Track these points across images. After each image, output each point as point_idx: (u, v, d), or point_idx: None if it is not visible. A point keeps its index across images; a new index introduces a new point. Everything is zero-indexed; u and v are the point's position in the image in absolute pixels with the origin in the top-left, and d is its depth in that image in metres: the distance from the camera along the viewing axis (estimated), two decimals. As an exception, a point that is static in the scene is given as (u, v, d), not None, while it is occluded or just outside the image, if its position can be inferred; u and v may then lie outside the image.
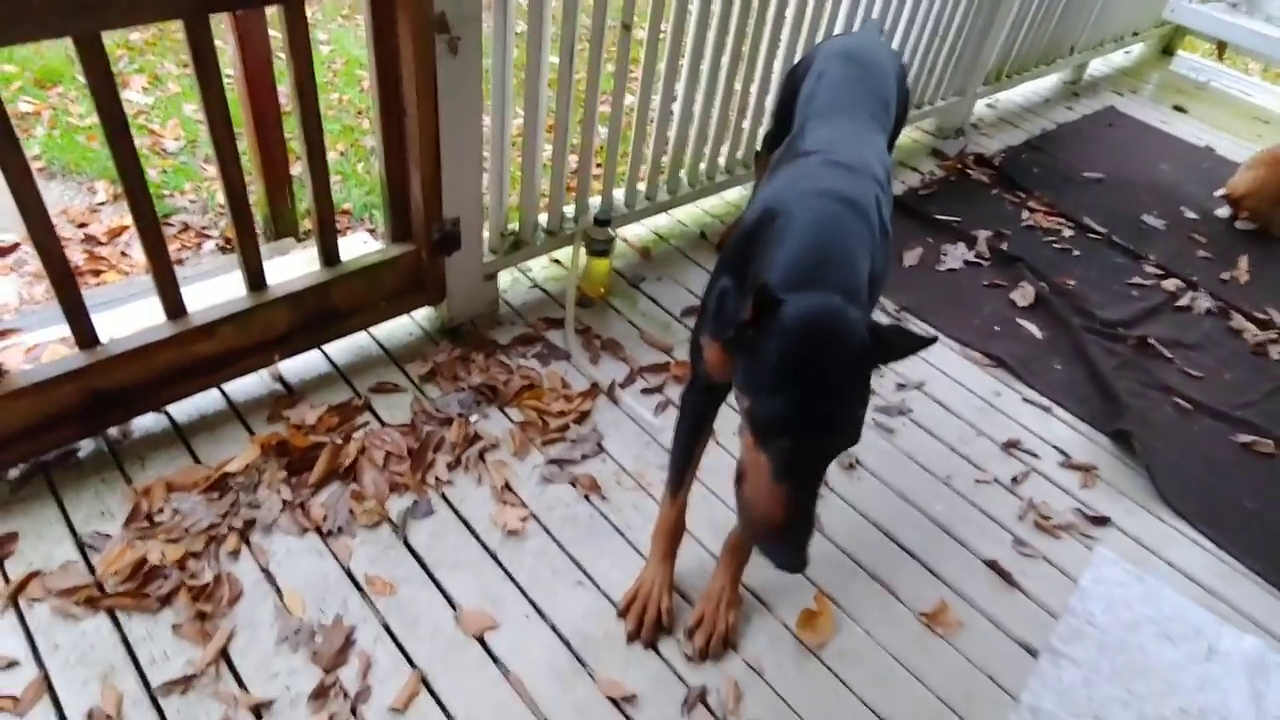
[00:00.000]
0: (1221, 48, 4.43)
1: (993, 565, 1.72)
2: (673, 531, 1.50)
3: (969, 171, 3.09)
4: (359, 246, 1.93)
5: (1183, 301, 2.60)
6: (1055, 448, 2.02)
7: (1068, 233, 2.84)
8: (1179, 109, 3.93)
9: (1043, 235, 2.80)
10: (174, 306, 1.60)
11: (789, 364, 0.98)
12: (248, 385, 1.79)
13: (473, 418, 1.81)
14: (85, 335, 1.52)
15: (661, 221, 2.53)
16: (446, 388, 1.87)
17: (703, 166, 2.41)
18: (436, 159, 1.72)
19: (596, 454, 1.80)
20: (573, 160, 2.07)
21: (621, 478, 1.75)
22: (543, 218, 2.12)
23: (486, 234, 1.99)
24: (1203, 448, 2.09)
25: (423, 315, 2.04)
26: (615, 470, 1.77)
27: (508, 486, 1.69)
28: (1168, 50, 4.51)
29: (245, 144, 2.24)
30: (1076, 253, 2.75)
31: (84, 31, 1.25)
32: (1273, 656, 1.64)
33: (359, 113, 3.72)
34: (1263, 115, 4.01)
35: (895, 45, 2.71)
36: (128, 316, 1.76)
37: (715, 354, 1.27)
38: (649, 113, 2.16)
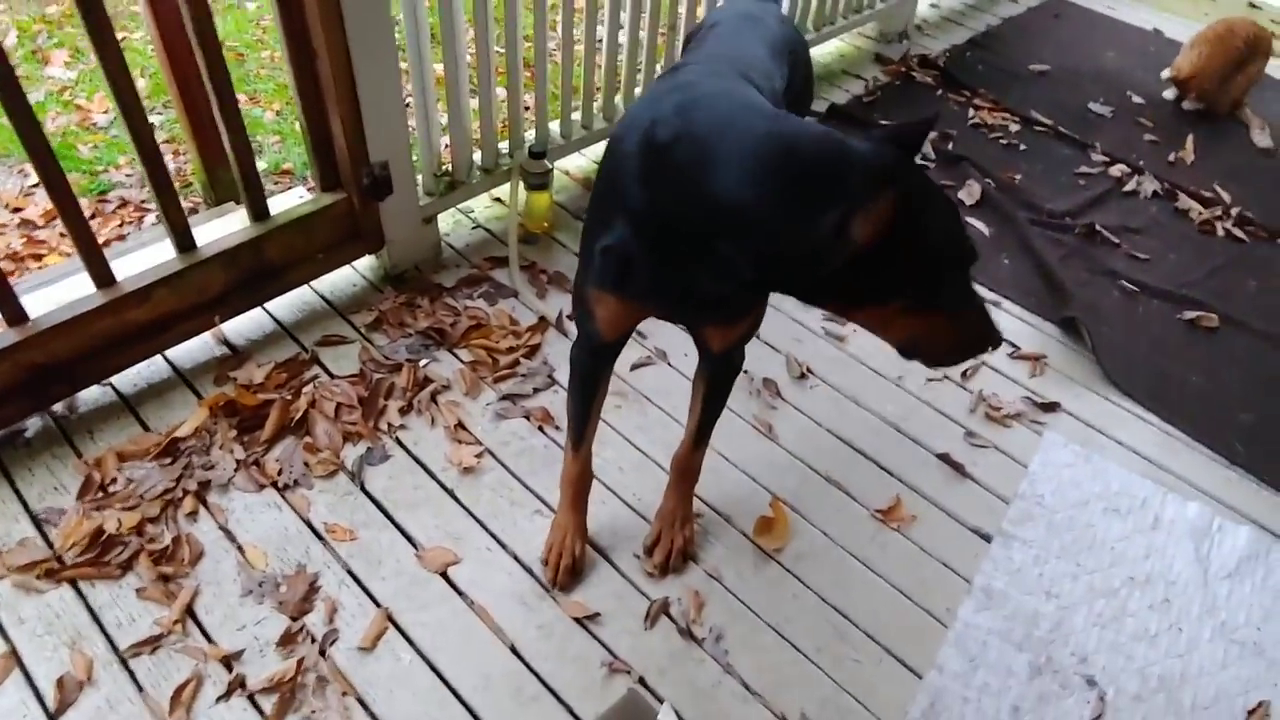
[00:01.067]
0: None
1: (944, 458, 1.76)
2: (578, 481, 1.48)
3: (913, 74, 3.05)
4: (294, 201, 1.89)
5: (1129, 187, 2.60)
6: (1004, 340, 2.05)
7: (1014, 128, 2.82)
8: (1127, -7, 3.88)
9: (989, 133, 2.78)
10: (102, 275, 1.58)
11: (930, 234, 0.93)
12: (192, 350, 1.77)
13: (422, 362, 1.81)
14: (13, 312, 1.50)
15: (600, 150, 2.49)
16: (394, 335, 1.87)
17: (636, 91, 2.37)
18: (355, 101, 1.68)
19: (549, 386, 1.81)
20: (501, 94, 2.03)
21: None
22: (477, 155, 2.09)
23: (420, 177, 1.96)
24: (1149, 328, 2.13)
25: (365, 265, 2.02)
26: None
27: (461, 425, 1.70)
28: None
29: (175, 111, 2.18)
30: (1023, 147, 2.74)
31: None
32: (1216, 520, 1.69)
33: (292, 69, 3.61)
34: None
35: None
36: (61, 292, 1.73)
37: (612, 308, 1.17)
38: (573, 41, 2.11)
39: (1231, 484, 1.78)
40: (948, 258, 0.97)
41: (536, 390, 1.79)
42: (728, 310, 1.18)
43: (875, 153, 0.90)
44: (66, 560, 1.41)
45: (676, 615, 1.45)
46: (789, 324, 2.00)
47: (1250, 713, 1.40)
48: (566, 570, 1.47)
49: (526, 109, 2.15)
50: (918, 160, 0.98)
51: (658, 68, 2.38)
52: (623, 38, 2.21)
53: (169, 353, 1.75)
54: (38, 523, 1.47)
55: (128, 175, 3.01)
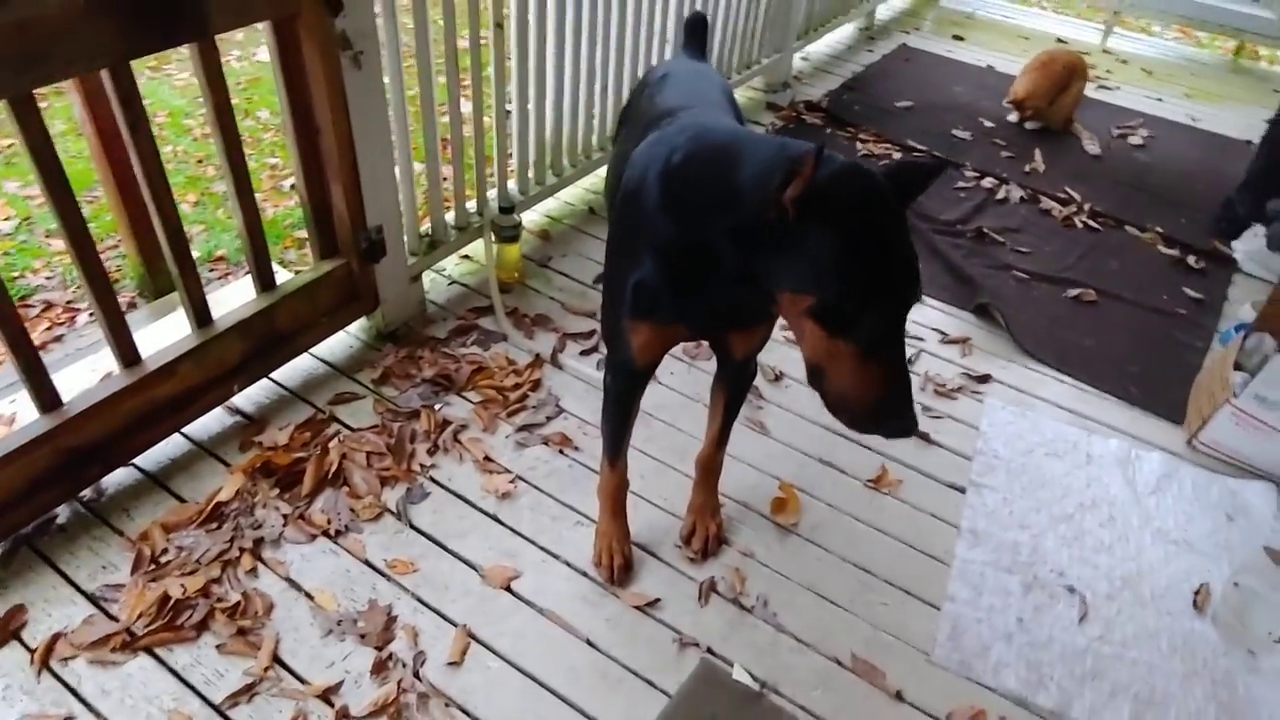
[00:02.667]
0: (977, -19, 5.08)
1: (912, 430, 2.02)
2: (617, 492, 1.62)
3: (804, 117, 3.44)
4: (246, 293, 1.89)
5: (1000, 195, 3.04)
6: (934, 330, 2.37)
7: (897, 155, 3.24)
8: (958, 38, 4.48)
9: (878, 161, 3.18)
10: (128, 354, 1.62)
11: (853, 237, 0.96)
12: (208, 424, 1.82)
13: (436, 406, 1.93)
14: (48, 398, 1.52)
15: (551, 205, 2.69)
16: (402, 385, 1.97)
17: (579, 147, 2.59)
18: (355, 171, 1.82)
19: (558, 414, 1.96)
20: (469, 157, 2.20)
21: (586, 429, 1.92)
22: (450, 216, 2.24)
23: (405, 238, 2.09)
24: (1044, 307, 2.51)
25: (358, 327, 2.11)
26: (578, 424, 1.93)
27: (488, 458, 1.82)
28: (936, -11, 5.10)
29: (110, 203, 2.21)
30: (908, 170, 3.14)
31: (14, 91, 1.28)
32: (1133, 450, 2.03)
33: (199, 162, 3.63)
34: (1024, 33, 4.64)
35: (718, 16, 2.99)
36: (79, 373, 1.74)
37: (646, 335, 1.31)
38: (526, 105, 2.32)
39: (1136, 420, 2.14)
40: (867, 281, 0.98)
41: (549, 419, 1.94)
42: (745, 317, 1.36)
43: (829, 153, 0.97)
44: (138, 631, 1.43)
45: (724, 591, 1.62)
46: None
47: (1195, 594, 1.70)
48: (620, 569, 1.61)
49: (490, 172, 2.33)
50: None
51: (594, 123, 2.62)
52: (565, 96, 2.44)
53: (187, 428, 1.78)
54: (96, 601, 1.48)
55: (47, 278, 2.95)
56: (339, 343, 2.07)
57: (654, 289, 1.24)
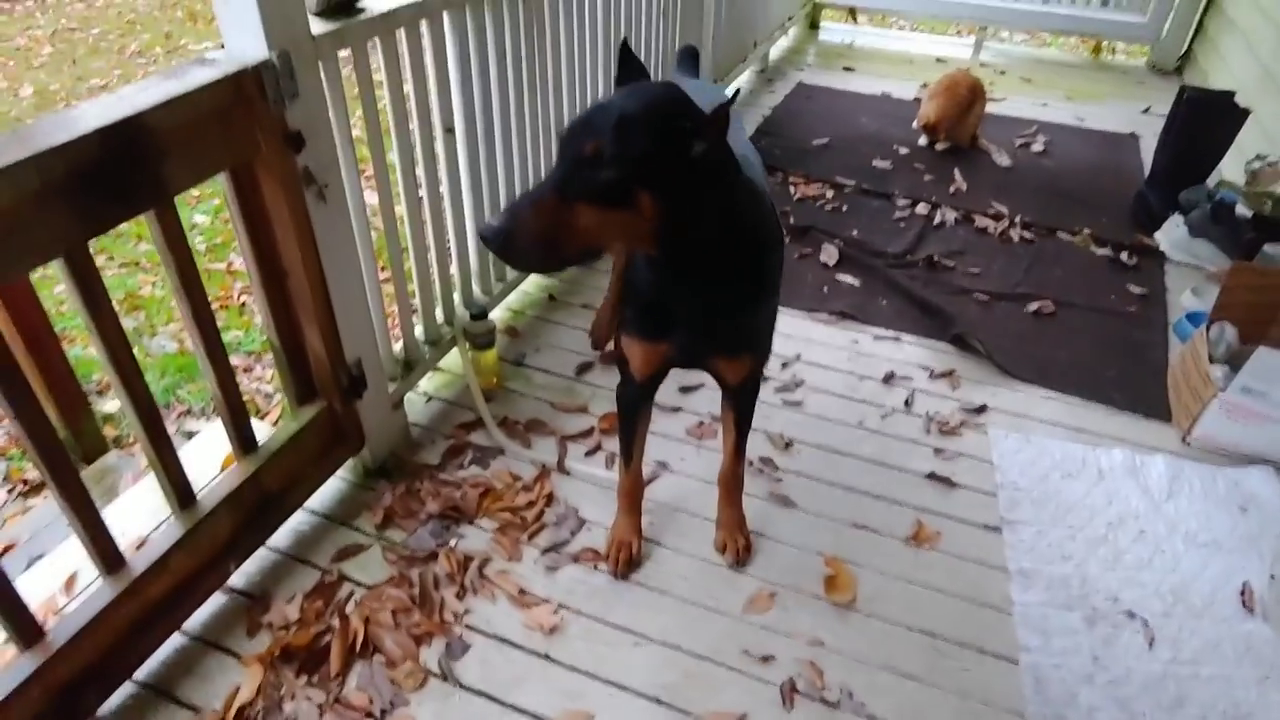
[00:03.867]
0: (852, 12, 5.30)
1: (932, 476, 2.02)
2: (633, 492, 1.77)
3: (731, 168, 3.47)
4: (219, 446, 1.75)
5: (937, 220, 3.13)
6: (919, 366, 2.39)
7: (830, 194, 3.30)
8: (848, 69, 4.65)
9: (814, 202, 3.23)
10: (110, 559, 1.43)
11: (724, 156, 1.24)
12: (207, 615, 1.62)
13: (452, 542, 1.79)
14: (28, 633, 1.32)
15: (511, 298, 2.59)
16: (409, 526, 1.83)
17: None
18: (329, 308, 1.68)
19: (581, 526, 1.85)
20: (432, 266, 2.09)
21: (597, 539, 1.82)
22: (419, 331, 2.12)
23: (384, 365, 1.96)
24: (1010, 325, 2.57)
25: (344, 469, 1.95)
26: (604, 532, 1.84)
27: (522, 590, 1.70)
28: (814, 25, 5.30)
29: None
30: (845, 208, 3.20)
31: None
32: (1137, 457, 2.08)
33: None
34: (907, 57, 4.86)
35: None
36: (45, 577, 1.53)
37: (639, 351, 1.49)
38: (481, 203, 2.23)
39: (1128, 425, 2.20)
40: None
41: (573, 533, 1.83)
42: (728, 340, 1.46)
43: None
44: None
45: (806, 689, 1.54)
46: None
47: (1241, 594, 1.74)
48: (625, 562, 1.74)
49: (452, 275, 2.22)
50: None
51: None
52: (514, 186, 2.36)
53: (185, 624, 1.59)
54: None
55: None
56: (328, 489, 1.90)
57: (644, 309, 1.45)
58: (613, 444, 2.06)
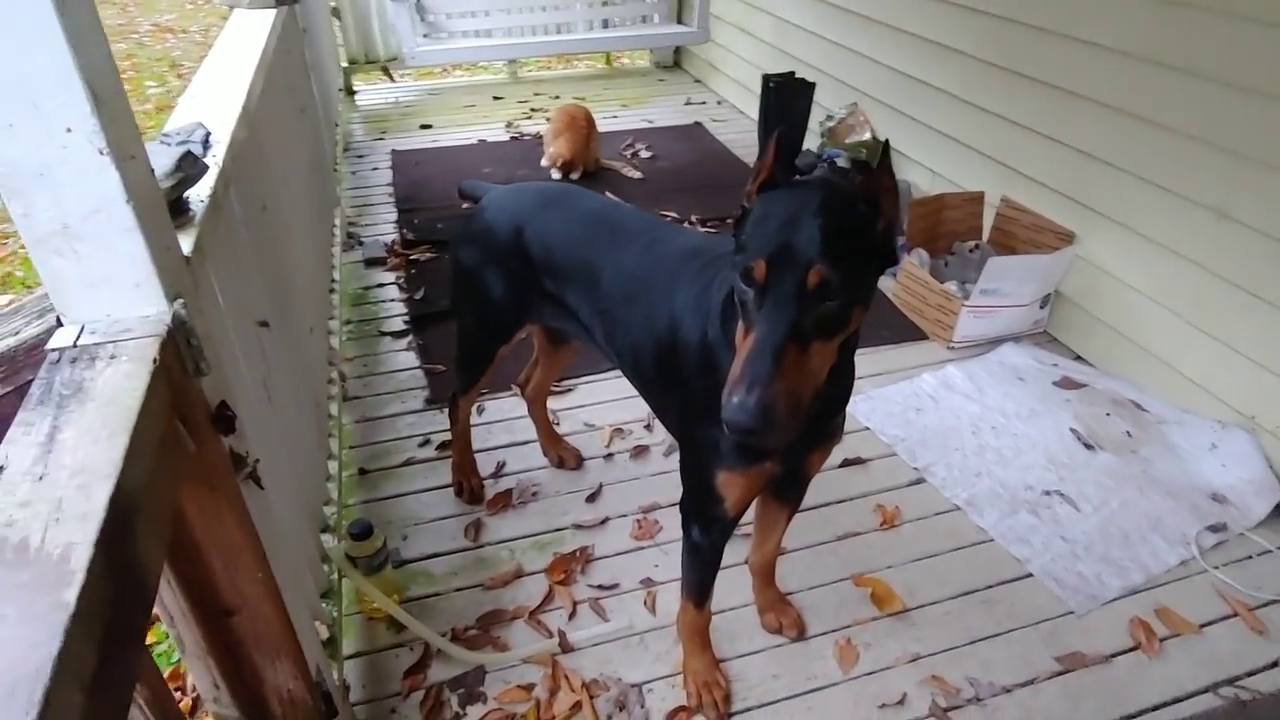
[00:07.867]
0: (386, 70, 5.11)
1: (845, 463, 2.17)
2: (706, 630, 1.61)
3: (414, 258, 3.16)
4: None
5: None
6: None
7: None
8: (426, 126, 4.50)
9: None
10: None
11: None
12: None
13: (541, 806, 1.41)
14: None
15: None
16: (474, 825, 1.38)
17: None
18: (292, 632, 1.16)
19: (642, 698, 1.60)
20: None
21: (665, 696, 1.62)
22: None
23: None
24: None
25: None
26: (668, 691, 1.61)
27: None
28: (350, 91, 4.99)
29: None
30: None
31: None
32: (936, 374, 2.50)
33: None
34: (466, 102, 4.86)
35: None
36: None
37: (741, 483, 1.30)
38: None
39: (908, 352, 2.62)
40: (739, 244, 1.15)
41: (642, 706, 1.57)
42: (827, 428, 1.35)
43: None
44: None
45: (948, 703, 1.58)
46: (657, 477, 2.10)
47: (1078, 439, 2.24)
48: (722, 699, 1.57)
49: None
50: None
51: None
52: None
53: None
54: None
55: None
56: None
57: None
58: (582, 587, 1.81)
